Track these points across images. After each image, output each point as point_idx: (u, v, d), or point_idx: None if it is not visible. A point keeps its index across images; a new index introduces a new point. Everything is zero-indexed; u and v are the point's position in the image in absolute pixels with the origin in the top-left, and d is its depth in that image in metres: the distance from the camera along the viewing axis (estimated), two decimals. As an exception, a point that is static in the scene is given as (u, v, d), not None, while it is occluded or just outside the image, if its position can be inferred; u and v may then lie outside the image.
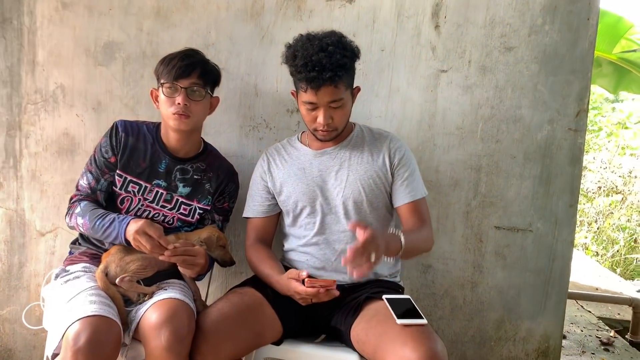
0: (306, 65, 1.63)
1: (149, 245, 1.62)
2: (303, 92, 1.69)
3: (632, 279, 5.83)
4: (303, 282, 1.63)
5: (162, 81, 1.75)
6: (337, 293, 1.62)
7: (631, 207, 7.08)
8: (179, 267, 1.72)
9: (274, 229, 1.94)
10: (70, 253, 1.90)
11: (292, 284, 1.65)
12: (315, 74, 1.63)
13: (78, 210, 1.77)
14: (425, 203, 1.87)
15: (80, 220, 1.75)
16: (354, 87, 1.78)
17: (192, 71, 1.74)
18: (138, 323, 1.57)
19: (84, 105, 2.18)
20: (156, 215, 1.85)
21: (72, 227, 1.82)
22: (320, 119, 1.71)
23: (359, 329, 1.65)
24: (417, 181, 1.85)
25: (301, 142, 1.91)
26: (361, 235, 1.44)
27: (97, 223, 1.71)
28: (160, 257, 1.63)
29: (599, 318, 3.87)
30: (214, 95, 1.86)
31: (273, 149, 1.94)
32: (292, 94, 1.81)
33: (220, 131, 2.16)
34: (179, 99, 1.72)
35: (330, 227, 1.82)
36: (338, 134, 1.80)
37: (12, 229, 2.24)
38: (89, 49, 2.15)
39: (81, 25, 2.14)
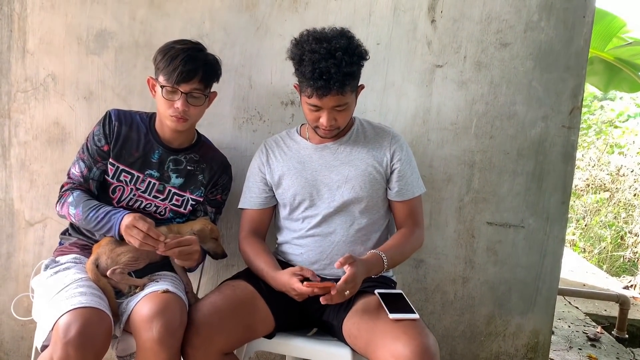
0: (314, 72, 1.60)
1: (138, 238, 1.60)
2: (307, 97, 1.67)
3: (619, 275, 5.89)
4: (303, 280, 1.62)
5: (161, 81, 1.70)
6: (333, 292, 1.62)
7: (618, 205, 7.15)
8: (175, 260, 1.70)
9: (268, 222, 1.93)
10: (60, 244, 1.88)
11: (292, 280, 1.63)
12: (322, 83, 1.60)
13: (70, 199, 1.74)
14: (420, 201, 1.88)
15: (72, 210, 1.73)
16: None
17: (194, 76, 1.69)
18: (129, 315, 1.56)
19: (75, 94, 2.15)
20: (148, 205, 1.84)
21: (62, 216, 1.79)
22: (324, 120, 1.70)
23: (350, 323, 1.65)
24: (414, 179, 1.85)
25: (301, 136, 1.90)
26: (346, 274, 1.55)
27: (91, 215, 1.69)
28: (158, 252, 1.61)
29: (586, 314, 3.91)
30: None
31: (272, 140, 1.93)
32: (295, 87, 1.79)
33: (213, 123, 2.14)
34: (178, 104, 1.69)
35: (328, 220, 1.81)
36: (339, 132, 1.79)
37: (0, 218, 2.21)
38: (81, 37, 2.12)
39: (73, 12, 2.11)
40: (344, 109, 1.70)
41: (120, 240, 1.67)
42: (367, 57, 1.71)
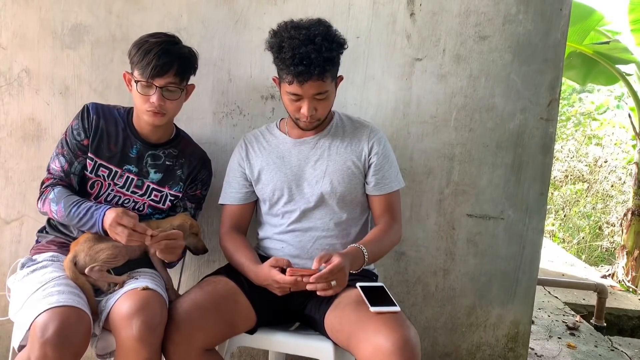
0: (294, 57, 1.59)
1: (124, 235, 1.58)
2: (287, 84, 1.66)
3: (597, 265, 6.00)
4: (283, 271, 1.62)
5: (136, 75, 1.68)
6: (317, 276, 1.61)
7: (596, 195, 7.27)
8: (157, 254, 1.68)
9: (249, 217, 1.92)
10: (37, 242, 1.85)
11: (272, 272, 1.63)
12: (303, 68, 1.59)
13: (52, 195, 1.71)
14: (398, 196, 1.88)
15: (54, 207, 1.70)
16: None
17: (169, 70, 1.67)
18: (108, 313, 1.54)
19: (50, 89, 2.11)
20: (126, 201, 1.81)
21: (44, 213, 1.76)
22: (304, 110, 1.69)
23: (332, 317, 1.65)
24: (392, 173, 1.85)
25: (280, 130, 1.89)
26: (329, 264, 1.54)
27: (73, 210, 1.67)
28: (147, 243, 1.59)
29: (565, 303, 3.98)
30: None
31: (251, 135, 1.92)
32: (274, 80, 1.78)
33: (192, 117, 2.12)
34: (153, 98, 1.67)
35: (307, 215, 1.80)
36: (320, 124, 1.79)
37: (-25, 216, 2.17)
38: (56, 31, 2.08)
39: (47, 6, 2.07)
40: (324, 97, 1.69)
41: (105, 235, 1.65)
42: (346, 46, 1.72)
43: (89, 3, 2.07)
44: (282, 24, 1.69)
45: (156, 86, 1.67)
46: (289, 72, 1.62)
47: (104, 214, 1.62)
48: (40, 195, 1.77)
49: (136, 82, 1.68)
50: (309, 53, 1.59)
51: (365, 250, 1.68)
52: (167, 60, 1.66)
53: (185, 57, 1.73)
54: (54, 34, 2.08)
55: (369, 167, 1.82)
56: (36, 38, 2.08)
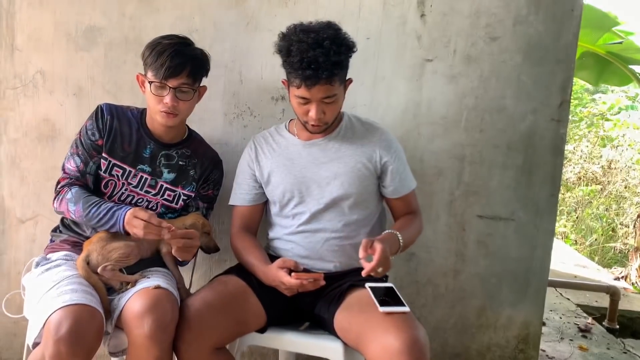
0: (302, 61, 1.60)
1: (140, 227, 1.60)
2: (295, 87, 1.67)
3: (610, 267, 5.94)
4: (290, 272, 1.63)
5: (149, 76, 1.71)
6: (323, 283, 1.63)
7: (610, 197, 7.20)
8: (172, 253, 1.70)
9: (259, 218, 1.94)
10: (51, 241, 1.88)
11: (279, 274, 1.64)
12: (311, 72, 1.60)
13: (69, 196, 1.73)
14: (414, 194, 1.91)
15: (72, 207, 1.72)
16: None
17: (182, 71, 1.69)
18: (121, 311, 1.56)
19: (64, 91, 2.14)
20: (140, 200, 1.84)
21: (60, 212, 1.79)
22: (312, 113, 1.69)
23: (342, 317, 1.66)
24: (406, 175, 1.87)
25: (289, 132, 1.90)
26: (374, 251, 1.57)
27: (92, 211, 1.69)
28: (164, 237, 1.61)
29: (578, 305, 3.94)
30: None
31: (261, 137, 1.93)
32: (283, 83, 1.78)
33: (204, 118, 2.14)
34: (167, 99, 1.69)
35: (317, 217, 1.81)
36: (328, 127, 1.79)
37: (-9, 216, 2.21)
38: (70, 33, 2.11)
39: (62, 9, 2.10)
40: (333, 101, 1.70)
41: (126, 234, 1.67)
42: (355, 49, 1.72)
43: (102, 5, 2.10)
44: (291, 27, 1.69)
45: (169, 87, 1.69)
46: (296, 75, 1.63)
47: (125, 214, 1.65)
48: (56, 195, 1.79)
49: (150, 83, 1.70)
50: (317, 57, 1.59)
51: (399, 235, 1.71)
52: (180, 61, 1.68)
53: (198, 59, 1.75)
54: (68, 36, 2.11)
55: (383, 171, 1.83)
56: (51, 40, 2.11)
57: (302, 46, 1.61)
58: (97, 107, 1.81)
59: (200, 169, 1.89)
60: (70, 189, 1.75)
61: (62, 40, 2.11)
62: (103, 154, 1.79)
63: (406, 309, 1.55)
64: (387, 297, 1.60)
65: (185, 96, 1.73)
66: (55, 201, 1.78)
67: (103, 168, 1.80)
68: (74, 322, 1.40)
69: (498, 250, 2.26)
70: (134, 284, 1.65)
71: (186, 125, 1.92)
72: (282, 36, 1.70)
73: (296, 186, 1.81)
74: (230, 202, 1.93)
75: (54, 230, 1.90)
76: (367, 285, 1.64)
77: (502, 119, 2.18)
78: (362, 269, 1.83)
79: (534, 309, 2.30)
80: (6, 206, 2.20)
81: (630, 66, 4.75)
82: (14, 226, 2.21)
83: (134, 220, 1.61)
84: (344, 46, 1.66)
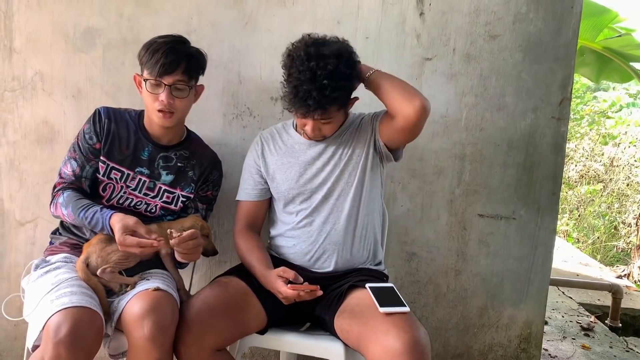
0: (296, 93, 1.59)
1: (137, 250, 1.60)
2: (290, 112, 1.68)
3: (612, 265, 5.93)
4: (288, 282, 1.63)
5: (145, 75, 1.71)
6: (320, 293, 1.62)
7: (612, 195, 7.18)
8: (177, 256, 1.69)
9: (264, 214, 1.93)
10: (51, 243, 1.88)
11: (277, 283, 1.64)
12: (302, 105, 1.60)
13: (61, 200, 1.73)
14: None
15: (64, 211, 1.72)
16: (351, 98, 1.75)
17: (177, 67, 1.69)
18: (120, 314, 1.56)
19: (63, 92, 2.13)
20: (139, 203, 1.83)
21: (57, 217, 1.79)
22: (308, 129, 1.71)
23: (342, 318, 1.65)
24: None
25: (295, 130, 1.89)
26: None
27: (81, 214, 1.69)
28: (172, 243, 1.60)
29: (580, 304, 3.93)
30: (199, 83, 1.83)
31: (267, 133, 1.93)
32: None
33: (203, 119, 2.13)
34: (162, 96, 1.69)
35: (320, 212, 1.81)
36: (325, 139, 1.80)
37: (-10, 218, 2.20)
38: (68, 34, 2.11)
39: (59, 10, 2.09)
40: (329, 122, 1.71)
41: (114, 236, 1.66)
42: (359, 80, 1.71)
43: (100, 7, 2.09)
44: (297, 45, 1.66)
45: (165, 84, 1.69)
46: (291, 103, 1.63)
47: (110, 218, 1.64)
48: (52, 199, 1.79)
49: (145, 80, 1.70)
50: (311, 92, 1.58)
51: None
52: (175, 58, 1.68)
53: (193, 56, 1.75)
54: (67, 38, 2.11)
55: (374, 130, 1.80)
56: (49, 42, 2.11)
57: (300, 77, 1.59)
58: (95, 110, 1.81)
59: (199, 169, 1.88)
60: (63, 193, 1.75)
61: (60, 42, 2.11)
62: (101, 158, 1.78)
63: (406, 309, 1.54)
64: (387, 298, 1.59)
65: (180, 94, 1.73)
66: (51, 205, 1.78)
67: (101, 171, 1.79)
68: (73, 325, 1.40)
69: (499, 249, 2.25)
70: (134, 286, 1.64)
71: (185, 126, 1.92)
72: (287, 53, 1.68)
73: (301, 183, 1.81)
74: (237, 198, 1.93)
75: (54, 232, 1.90)
76: (367, 285, 1.64)
77: (503, 117, 2.17)
78: (362, 269, 1.83)
79: (536, 308, 2.29)
80: (5, 209, 2.19)
81: (631, 63, 4.74)
82: (13, 229, 2.20)
83: (127, 240, 1.59)
84: (343, 80, 1.62)
